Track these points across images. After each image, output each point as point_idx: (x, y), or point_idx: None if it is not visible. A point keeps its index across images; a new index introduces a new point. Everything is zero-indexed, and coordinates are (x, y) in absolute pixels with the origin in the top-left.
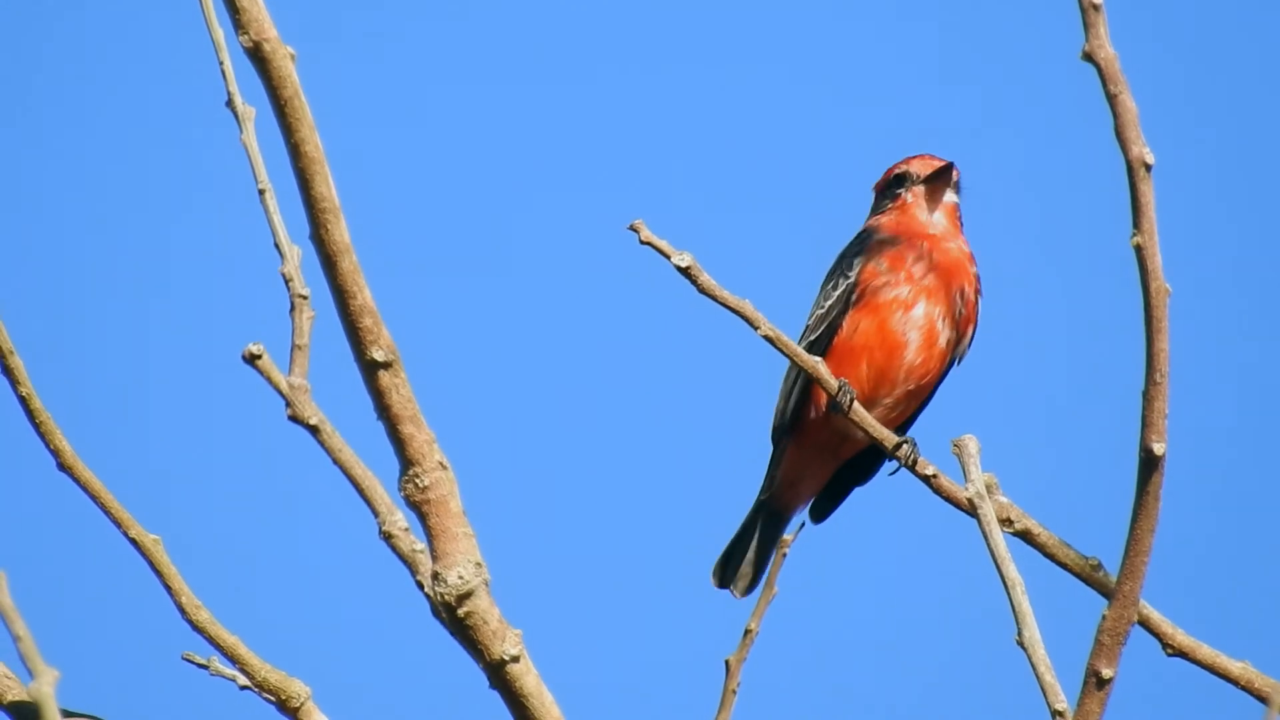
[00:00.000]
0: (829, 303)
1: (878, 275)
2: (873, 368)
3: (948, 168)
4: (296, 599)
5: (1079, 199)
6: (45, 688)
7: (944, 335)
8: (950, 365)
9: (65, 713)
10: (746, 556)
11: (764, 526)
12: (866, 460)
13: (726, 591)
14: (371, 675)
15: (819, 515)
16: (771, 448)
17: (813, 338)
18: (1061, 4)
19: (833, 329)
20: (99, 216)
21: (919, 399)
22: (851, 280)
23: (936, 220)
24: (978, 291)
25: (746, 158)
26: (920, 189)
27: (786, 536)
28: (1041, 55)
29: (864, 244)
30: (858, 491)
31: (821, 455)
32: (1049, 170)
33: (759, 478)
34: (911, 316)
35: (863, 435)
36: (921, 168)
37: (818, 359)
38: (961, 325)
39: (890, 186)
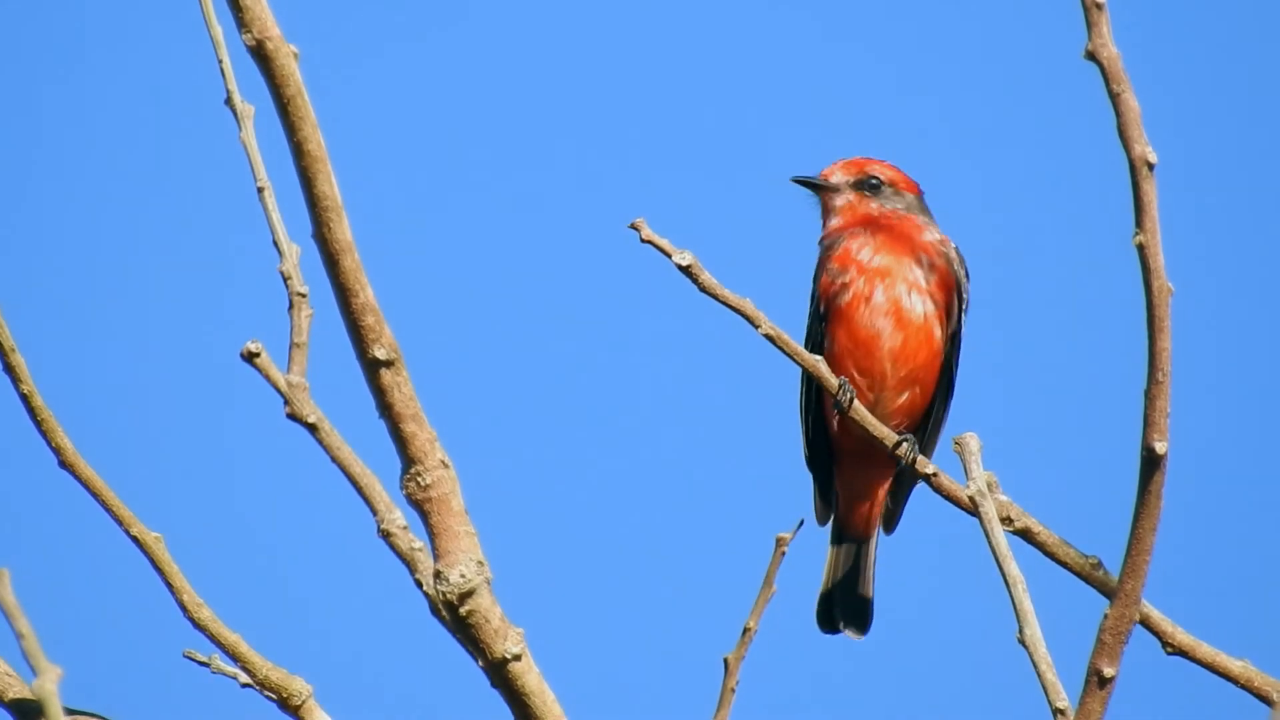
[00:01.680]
0: (809, 323)
1: (832, 283)
2: (860, 368)
3: (813, 184)
4: (297, 597)
5: (1081, 198)
6: (49, 685)
7: (917, 308)
8: (953, 342)
9: (67, 710)
10: (849, 592)
11: (850, 555)
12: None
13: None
14: (372, 674)
15: (888, 525)
16: (811, 477)
17: None
18: (1064, 3)
19: (818, 348)
20: (98, 215)
21: (925, 383)
22: (815, 300)
23: (839, 224)
24: (945, 257)
25: (749, 155)
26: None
27: (784, 535)
28: (1044, 54)
29: (817, 259)
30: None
31: (867, 469)
32: (1051, 169)
33: (760, 477)
34: (874, 305)
35: (865, 435)
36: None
37: (818, 358)
38: (939, 292)
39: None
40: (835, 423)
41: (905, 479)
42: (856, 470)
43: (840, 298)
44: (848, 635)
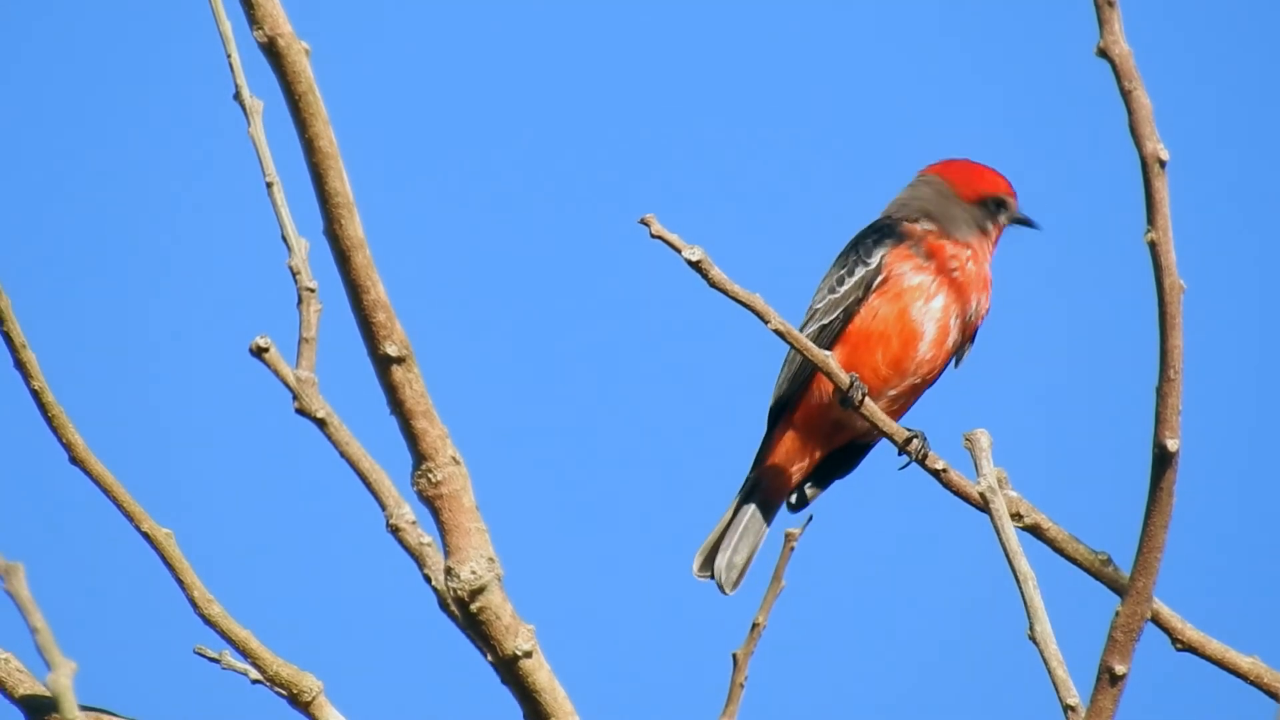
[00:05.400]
0: (844, 288)
1: (908, 257)
2: (887, 356)
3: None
4: (307, 593)
5: (1093, 195)
6: (63, 680)
7: (953, 335)
8: (946, 366)
9: (78, 706)
10: (734, 547)
11: (750, 514)
12: (850, 453)
13: (707, 582)
14: (383, 670)
15: (796, 504)
16: (766, 427)
17: (825, 321)
18: (1076, 0)
19: (849, 315)
20: (108, 211)
21: (918, 394)
22: (873, 266)
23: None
24: (988, 310)
25: (756, 151)
26: (1003, 224)
27: (793, 530)
28: (1056, 51)
29: (891, 230)
30: (866, 485)
31: (814, 439)
32: (1063, 166)
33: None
34: (931, 307)
35: (871, 429)
36: (1012, 202)
37: (828, 353)
38: (966, 333)
39: (992, 204)
40: (819, 399)
41: (836, 465)
42: (804, 442)
43: (905, 278)
44: (719, 586)
